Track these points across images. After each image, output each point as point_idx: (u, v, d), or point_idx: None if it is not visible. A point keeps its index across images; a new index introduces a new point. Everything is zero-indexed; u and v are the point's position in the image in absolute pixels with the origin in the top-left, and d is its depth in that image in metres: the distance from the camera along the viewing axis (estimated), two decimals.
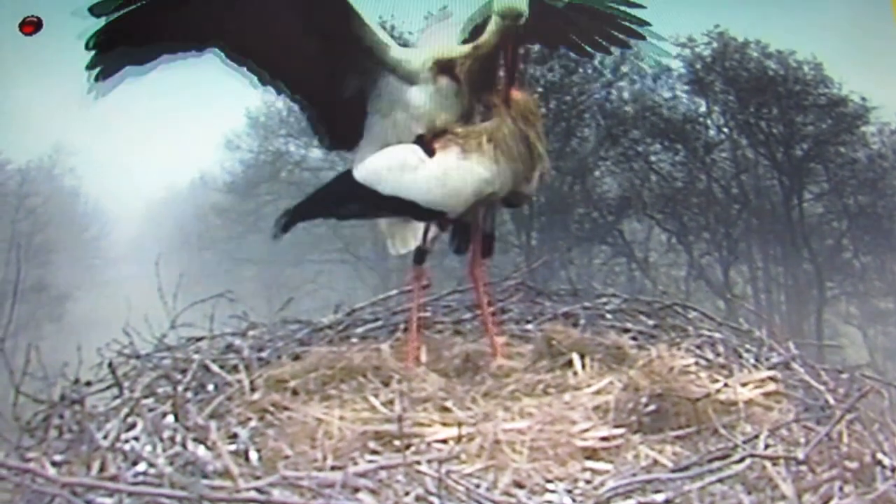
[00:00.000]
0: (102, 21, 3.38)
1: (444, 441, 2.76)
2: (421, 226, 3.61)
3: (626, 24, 4.05)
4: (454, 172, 3.32)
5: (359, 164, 3.50)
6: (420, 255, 3.62)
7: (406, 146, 3.45)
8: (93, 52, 3.43)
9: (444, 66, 3.53)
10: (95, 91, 3.49)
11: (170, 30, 3.46)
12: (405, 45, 3.93)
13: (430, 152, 3.38)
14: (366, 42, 3.54)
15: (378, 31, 3.57)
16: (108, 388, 3.26)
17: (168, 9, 3.40)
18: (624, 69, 9.36)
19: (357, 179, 3.41)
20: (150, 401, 3.12)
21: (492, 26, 3.43)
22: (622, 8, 4.03)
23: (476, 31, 3.67)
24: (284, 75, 3.67)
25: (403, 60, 3.56)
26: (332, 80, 3.64)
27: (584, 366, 3.38)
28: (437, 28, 3.97)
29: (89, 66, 3.45)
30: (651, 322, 3.94)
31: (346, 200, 3.51)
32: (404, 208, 3.41)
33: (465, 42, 3.70)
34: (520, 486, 2.53)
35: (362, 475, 2.47)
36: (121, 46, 3.44)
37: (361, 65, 3.59)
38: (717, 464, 2.56)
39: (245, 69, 3.62)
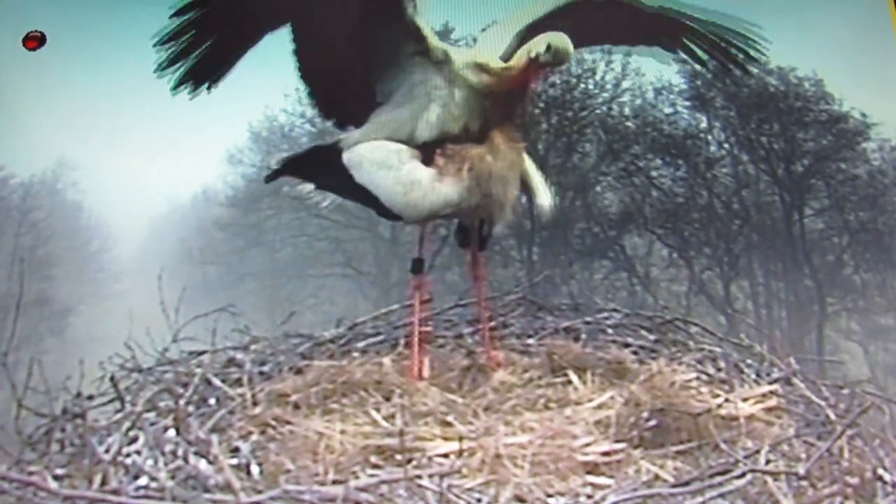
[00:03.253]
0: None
1: (446, 455, 2.77)
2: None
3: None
4: (419, 188, 3.42)
5: (352, 145, 3.61)
6: (417, 265, 3.65)
7: (395, 145, 3.54)
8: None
9: (484, 72, 3.53)
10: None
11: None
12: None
13: (430, 162, 3.46)
14: (419, 31, 3.54)
15: (428, 27, 3.57)
16: (110, 401, 3.27)
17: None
18: (625, 85, 9.39)
19: (342, 159, 3.57)
20: (151, 415, 3.13)
21: (523, 56, 3.43)
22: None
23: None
24: (319, 42, 3.69)
25: (451, 58, 3.57)
26: (368, 55, 3.65)
27: (584, 381, 3.39)
28: (491, 36, 3.95)
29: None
30: (652, 337, 3.95)
31: (327, 172, 3.64)
32: (369, 201, 3.53)
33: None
34: (521, 500, 2.54)
35: (364, 489, 2.47)
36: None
37: (405, 52, 3.60)
38: (718, 479, 2.57)
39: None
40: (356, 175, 3.54)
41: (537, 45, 3.38)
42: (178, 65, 3.57)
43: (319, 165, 3.68)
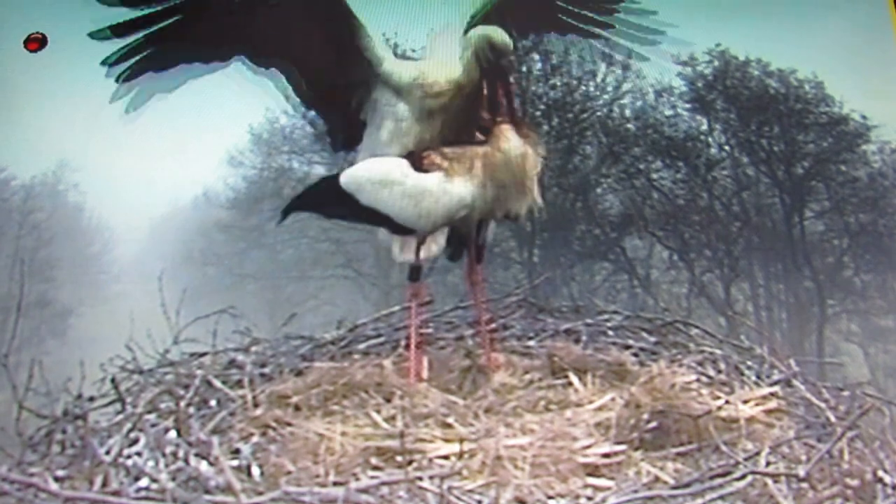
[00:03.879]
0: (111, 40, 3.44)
1: (446, 457, 2.77)
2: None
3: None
4: (429, 195, 3.38)
5: (347, 169, 3.58)
6: (414, 272, 3.65)
7: (393, 160, 3.51)
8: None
9: (428, 90, 3.55)
10: (122, 105, 3.55)
11: (193, 45, 3.54)
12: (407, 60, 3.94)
13: (420, 168, 3.43)
14: (366, 54, 3.58)
15: (377, 44, 3.59)
16: (111, 403, 3.27)
17: (189, 24, 3.48)
18: (626, 87, 9.40)
19: (341, 185, 3.50)
20: (152, 416, 3.13)
21: (470, 60, 3.44)
22: None
23: None
24: (299, 83, 3.73)
25: (395, 74, 3.59)
26: (341, 90, 3.70)
27: (585, 383, 3.39)
28: (442, 40, 3.96)
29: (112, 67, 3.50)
30: (652, 339, 3.95)
31: (332, 202, 3.58)
32: (380, 220, 3.49)
33: None
34: (521, 502, 2.54)
35: (364, 491, 2.47)
36: (146, 70, 3.52)
37: (361, 75, 3.64)
38: (718, 481, 2.57)
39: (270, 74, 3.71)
40: (361, 198, 3.47)
41: (481, 49, 3.39)
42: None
43: (326, 196, 3.63)
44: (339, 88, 3.70)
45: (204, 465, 2.71)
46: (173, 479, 2.64)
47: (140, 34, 3.49)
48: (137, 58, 3.52)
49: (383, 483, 2.52)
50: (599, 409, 3.14)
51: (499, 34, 3.39)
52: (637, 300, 9.25)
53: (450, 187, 3.37)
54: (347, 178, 3.50)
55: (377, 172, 3.48)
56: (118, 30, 3.47)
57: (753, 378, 3.53)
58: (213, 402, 3.30)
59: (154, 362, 3.63)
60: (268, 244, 10.30)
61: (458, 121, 3.53)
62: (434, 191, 3.38)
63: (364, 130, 3.75)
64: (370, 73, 3.62)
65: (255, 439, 2.96)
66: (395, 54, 3.86)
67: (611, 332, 4.00)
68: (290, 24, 3.57)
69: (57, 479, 2.67)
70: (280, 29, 3.56)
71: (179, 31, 3.49)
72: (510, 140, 3.37)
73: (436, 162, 3.42)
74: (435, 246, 3.76)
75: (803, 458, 2.80)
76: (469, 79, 3.47)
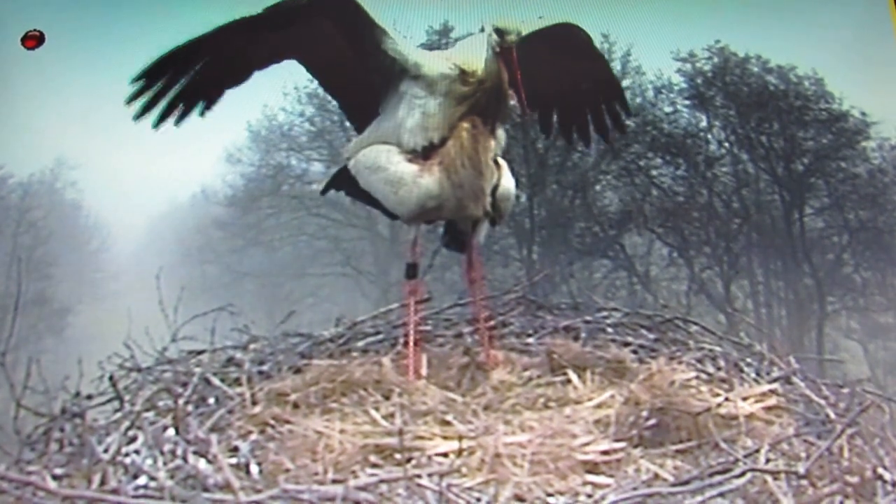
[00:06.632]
0: None
1: (445, 454, 2.76)
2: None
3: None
4: (404, 185, 3.53)
5: (353, 154, 3.78)
6: (411, 269, 3.67)
7: (384, 146, 3.65)
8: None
9: (464, 81, 3.55)
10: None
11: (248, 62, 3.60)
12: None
13: (426, 157, 3.53)
14: (390, 53, 3.59)
15: (400, 43, 3.60)
16: (109, 401, 3.26)
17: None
18: (625, 83, 9.37)
19: (349, 167, 3.78)
20: (150, 414, 3.12)
21: (488, 54, 3.45)
22: None
23: None
24: (330, 77, 3.91)
25: (425, 65, 3.59)
26: (365, 81, 3.75)
27: (584, 380, 3.39)
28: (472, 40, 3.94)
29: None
30: (652, 336, 3.94)
31: (348, 182, 3.82)
32: (374, 202, 3.70)
33: None
34: (521, 499, 2.54)
35: (363, 489, 2.47)
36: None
37: (384, 69, 3.65)
38: (717, 478, 2.57)
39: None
40: (360, 180, 3.71)
41: (490, 36, 3.41)
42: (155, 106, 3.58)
43: (346, 175, 3.83)
44: (360, 81, 3.74)
45: (202, 463, 2.71)
46: (172, 477, 2.64)
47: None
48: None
49: (382, 481, 2.52)
50: (599, 406, 3.14)
51: (505, 18, 3.39)
52: (636, 297, 9.25)
53: (420, 180, 3.50)
54: (352, 161, 3.75)
55: (369, 158, 3.67)
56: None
57: (753, 375, 3.53)
58: (211, 400, 3.29)
59: (152, 360, 3.62)
60: (266, 242, 10.30)
61: (488, 118, 3.53)
62: (408, 181, 3.51)
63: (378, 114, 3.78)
64: (394, 68, 3.63)
65: (253, 437, 2.95)
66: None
67: (610, 330, 4.00)
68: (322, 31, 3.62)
69: (55, 478, 2.66)
70: (315, 37, 3.63)
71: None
72: (463, 140, 3.45)
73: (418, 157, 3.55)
74: None
75: (803, 455, 2.80)
76: (488, 73, 3.48)
